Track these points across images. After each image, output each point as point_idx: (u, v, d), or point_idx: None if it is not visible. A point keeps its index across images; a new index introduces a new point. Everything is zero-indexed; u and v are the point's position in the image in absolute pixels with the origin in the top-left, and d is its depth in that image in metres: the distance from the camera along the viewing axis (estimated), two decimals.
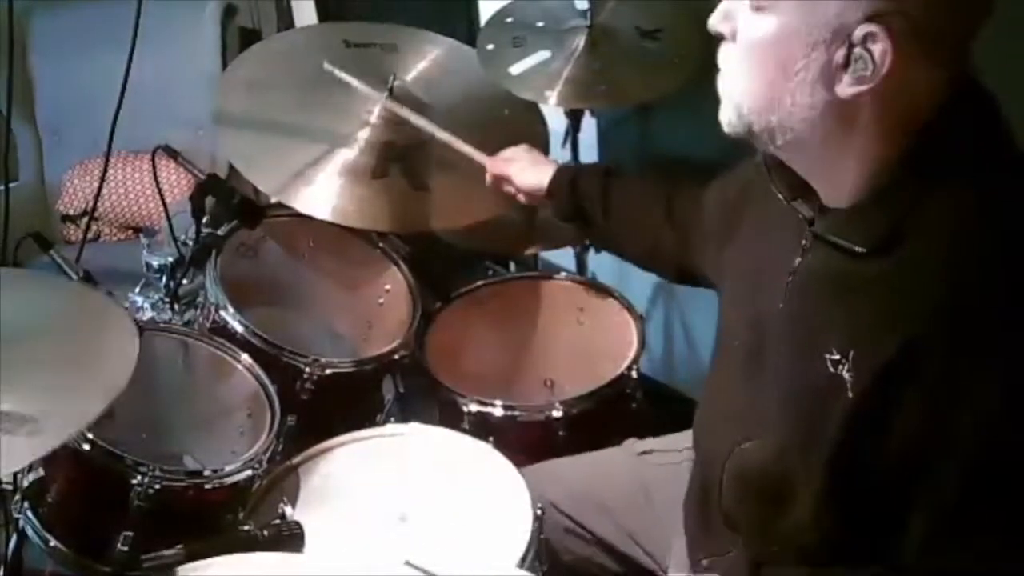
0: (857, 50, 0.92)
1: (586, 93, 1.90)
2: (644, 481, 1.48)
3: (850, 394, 0.97)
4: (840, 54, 0.93)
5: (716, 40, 1.03)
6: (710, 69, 1.05)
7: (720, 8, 1.01)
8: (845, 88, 0.94)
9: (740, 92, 1.00)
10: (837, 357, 0.99)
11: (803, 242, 1.08)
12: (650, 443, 1.54)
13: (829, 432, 1.00)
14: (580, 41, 1.91)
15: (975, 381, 0.92)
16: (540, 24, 1.98)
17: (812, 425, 1.02)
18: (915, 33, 0.91)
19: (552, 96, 1.88)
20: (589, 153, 2.46)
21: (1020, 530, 0.96)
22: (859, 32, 0.91)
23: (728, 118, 1.03)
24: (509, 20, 2.01)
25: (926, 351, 0.93)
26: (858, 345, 0.97)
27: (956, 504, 0.96)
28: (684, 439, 1.33)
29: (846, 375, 0.98)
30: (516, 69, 1.91)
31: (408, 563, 1.27)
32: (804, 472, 1.04)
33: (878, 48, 0.91)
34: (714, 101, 1.05)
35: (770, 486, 1.10)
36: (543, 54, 1.92)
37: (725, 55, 1.02)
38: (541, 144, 1.95)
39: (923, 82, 0.95)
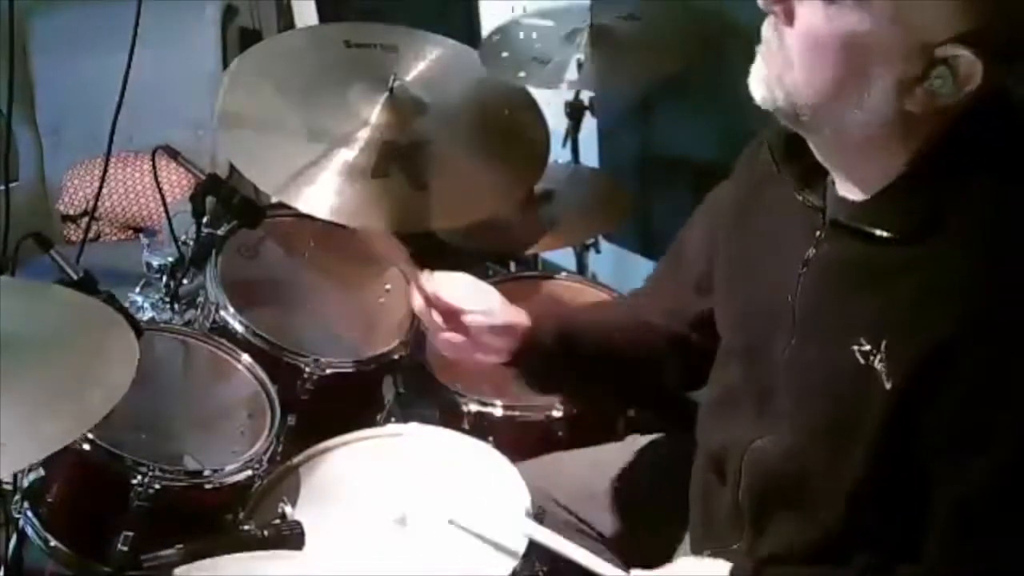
0: (940, 68, 0.89)
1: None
2: (646, 475, 1.47)
3: (887, 385, 0.95)
4: (918, 67, 0.90)
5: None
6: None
7: None
8: (916, 101, 0.92)
9: (794, 81, 0.95)
10: (868, 348, 0.96)
11: (817, 233, 1.05)
12: (651, 439, 1.54)
13: (867, 424, 0.97)
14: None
15: (1015, 377, 0.90)
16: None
17: (842, 418, 1.00)
18: (998, 51, 0.89)
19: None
20: (589, 153, 2.46)
21: None
22: (946, 50, 0.88)
23: (770, 95, 0.97)
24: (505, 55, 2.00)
25: (965, 344, 0.91)
26: (892, 335, 0.95)
27: (981, 503, 0.94)
28: (686, 437, 1.33)
29: (878, 366, 0.95)
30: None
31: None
32: (833, 465, 1.01)
33: (964, 68, 0.88)
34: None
35: (788, 482, 1.09)
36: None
37: (776, 34, 0.96)
38: (541, 144, 1.95)
39: (984, 90, 0.91)
